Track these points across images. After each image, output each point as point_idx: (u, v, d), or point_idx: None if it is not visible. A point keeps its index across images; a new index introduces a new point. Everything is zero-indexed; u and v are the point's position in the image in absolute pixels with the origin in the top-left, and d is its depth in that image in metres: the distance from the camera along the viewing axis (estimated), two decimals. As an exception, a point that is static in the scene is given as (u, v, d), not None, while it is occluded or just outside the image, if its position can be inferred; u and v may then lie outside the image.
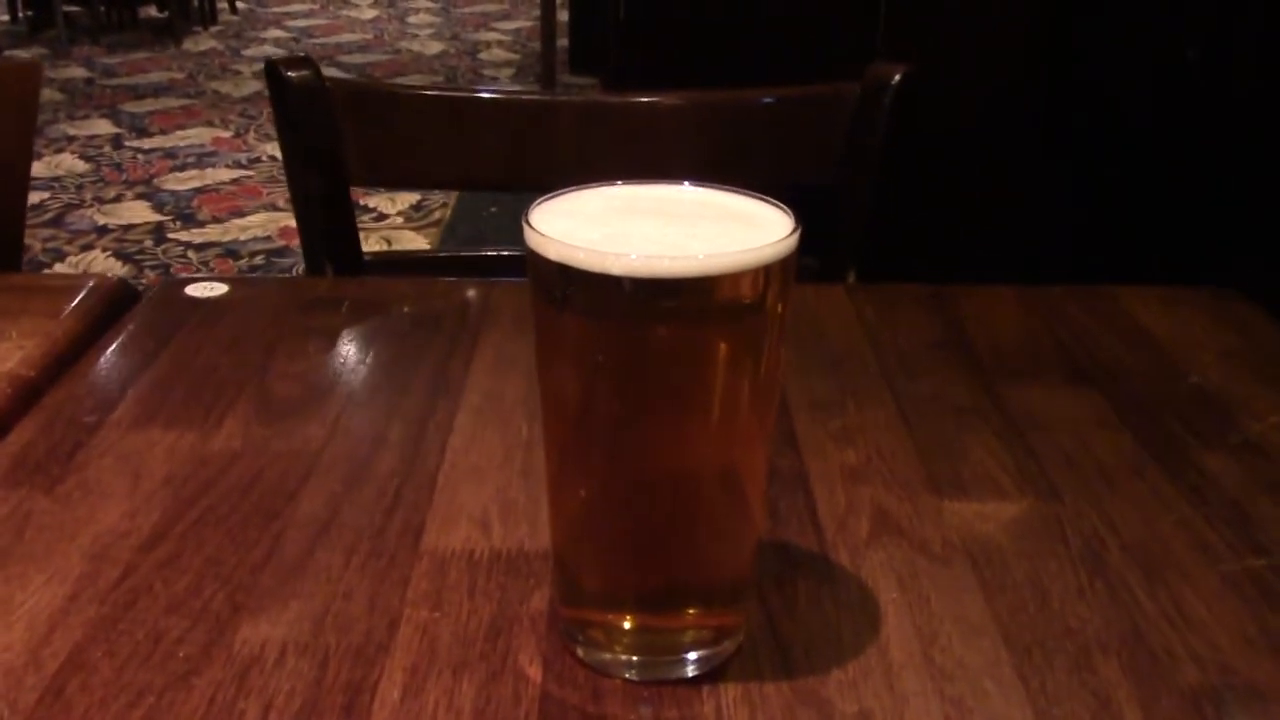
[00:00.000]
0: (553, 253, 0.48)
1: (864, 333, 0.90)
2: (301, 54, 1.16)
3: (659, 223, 0.52)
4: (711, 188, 0.54)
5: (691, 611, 0.55)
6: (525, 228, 0.50)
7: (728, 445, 0.52)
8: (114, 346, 0.85)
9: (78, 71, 5.77)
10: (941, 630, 0.57)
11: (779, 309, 0.50)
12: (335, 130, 1.11)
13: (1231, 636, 0.57)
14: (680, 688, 0.53)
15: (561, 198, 0.53)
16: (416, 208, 3.92)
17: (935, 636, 0.57)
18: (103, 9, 6.48)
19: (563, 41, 5.65)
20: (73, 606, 0.57)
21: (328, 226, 1.14)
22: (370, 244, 3.54)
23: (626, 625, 0.55)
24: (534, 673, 0.54)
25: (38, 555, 0.61)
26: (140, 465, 0.69)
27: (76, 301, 0.91)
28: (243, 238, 3.64)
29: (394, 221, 3.81)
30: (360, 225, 3.90)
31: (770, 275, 0.49)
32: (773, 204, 0.52)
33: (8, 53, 5.83)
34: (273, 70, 1.10)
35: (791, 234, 0.49)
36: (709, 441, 0.51)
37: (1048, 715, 0.52)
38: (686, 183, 0.54)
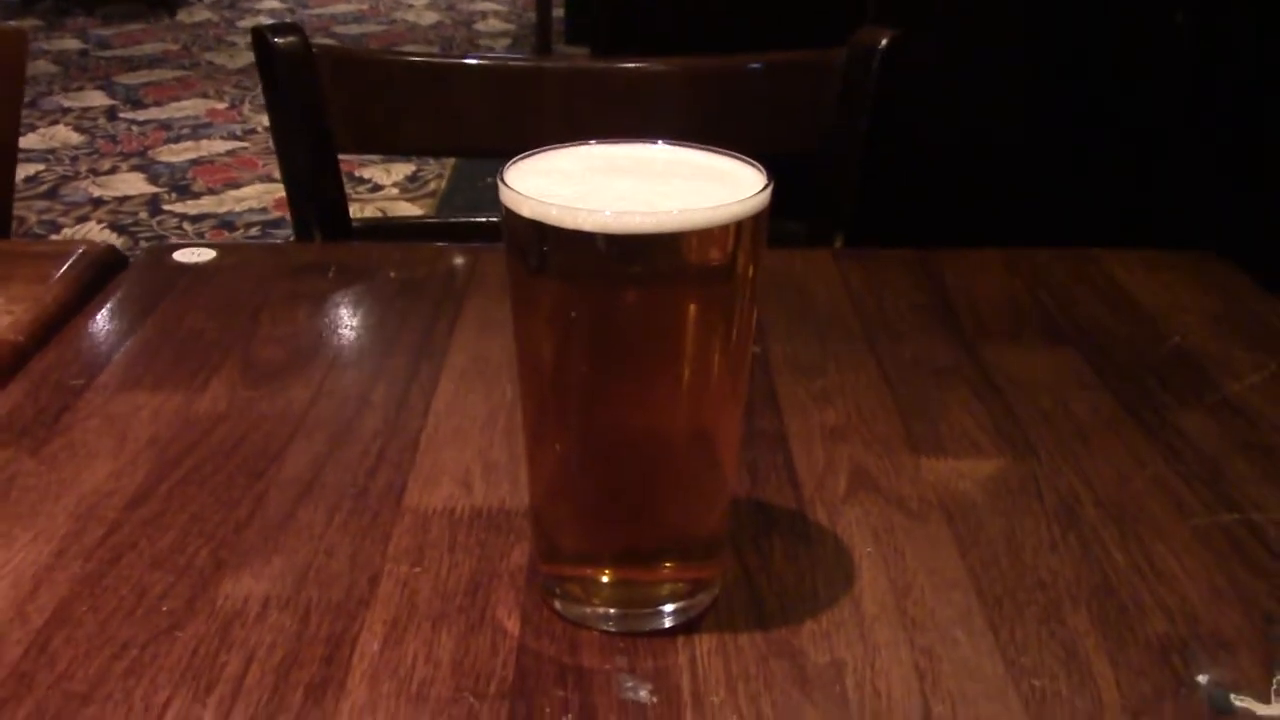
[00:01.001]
0: (527, 210, 0.49)
1: (848, 296, 0.91)
2: (291, 22, 1.16)
3: (633, 180, 0.52)
4: (685, 146, 0.54)
5: (667, 565, 0.56)
6: (500, 185, 0.50)
7: (701, 401, 0.53)
8: (101, 312, 0.85)
9: (71, 43, 5.74)
10: (915, 583, 0.58)
11: (752, 264, 0.51)
12: (322, 97, 1.11)
13: (1200, 589, 0.58)
14: (656, 639, 0.54)
15: (537, 157, 0.53)
16: (412, 179, 3.92)
17: (908, 589, 0.58)
18: (96, -20, 6.44)
19: (559, 12, 5.62)
20: (58, 563, 0.58)
21: (316, 193, 1.14)
22: (366, 214, 3.54)
23: (604, 579, 0.56)
24: (512, 625, 0.55)
25: (24, 515, 0.62)
26: (126, 427, 0.70)
27: (65, 268, 0.92)
28: (238, 209, 3.64)
29: (389, 192, 3.81)
30: (356, 196, 3.89)
31: (743, 231, 0.49)
32: (746, 161, 0.53)
33: None
34: (260, 37, 1.10)
35: (764, 189, 0.50)
36: (682, 397, 0.52)
37: (1016, 664, 0.53)
38: (661, 141, 0.54)
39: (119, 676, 0.51)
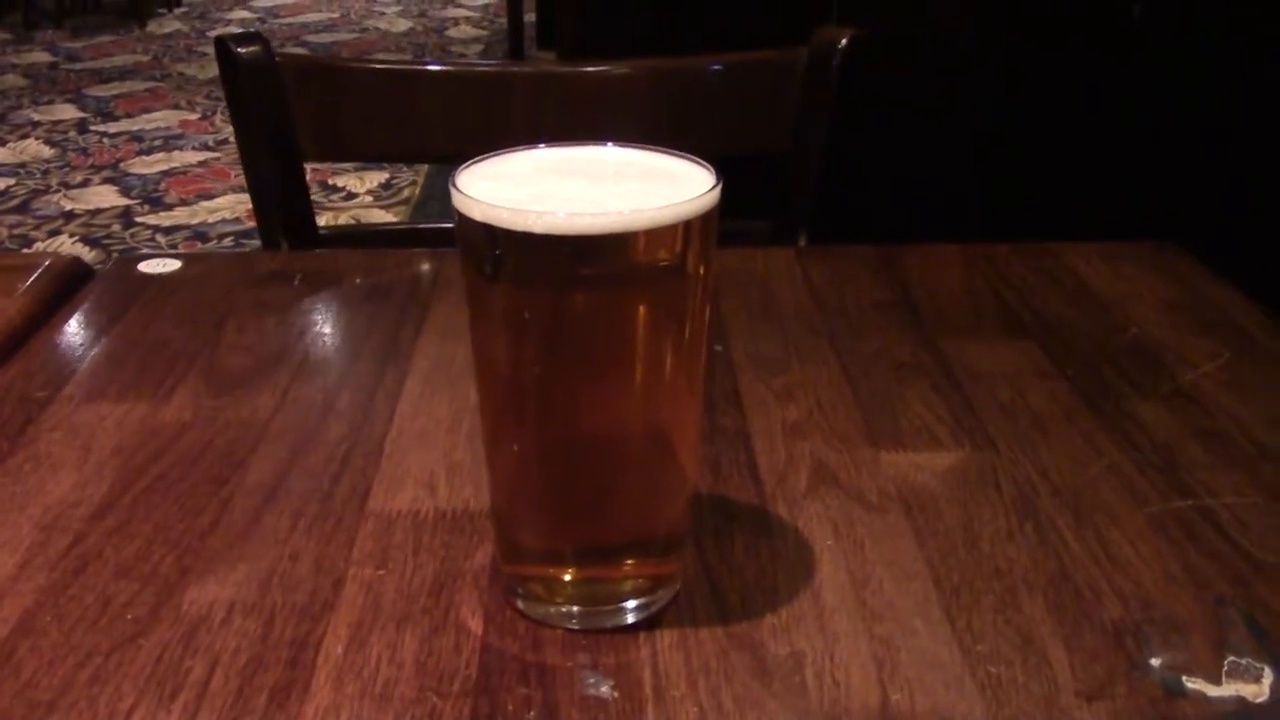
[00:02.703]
0: (478, 214, 0.49)
1: (810, 293, 0.92)
2: (254, 31, 1.16)
3: (584, 182, 0.53)
4: (636, 147, 0.55)
5: (629, 562, 0.57)
6: (452, 190, 0.51)
7: (657, 399, 0.53)
8: (67, 323, 0.86)
9: (41, 56, 5.72)
10: (874, 575, 0.59)
11: (703, 263, 0.51)
12: (286, 106, 1.11)
13: (1154, 574, 0.59)
14: (618, 635, 0.55)
15: (489, 161, 0.54)
16: (385, 186, 3.92)
17: (867, 580, 0.58)
18: (65, -7, 6.41)
19: (530, 17, 5.62)
20: (23, 574, 0.58)
21: (282, 202, 1.14)
22: (340, 223, 3.54)
23: (566, 578, 0.56)
24: (475, 625, 0.55)
25: (-12, 526, 0.62)
26: (90, 438, 0.70)
27: (31, 280, 0.92)
28: (211, 220, 3.63)
29: (363, 200, 3.81)
30: (330, 205, 3.88)
31: (691, 230, 0.50)
32: (696, 161, 0.53)
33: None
34: (223, 47, 1.11)
35: (712, 189, 0.50)
36: (637, 395, 0.53)
37: (972, 652, 0.54)
38: (610, 143, 0.55)
39: (84, 684, 0.51)
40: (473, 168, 0.53)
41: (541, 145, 0.55)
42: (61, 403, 0.74)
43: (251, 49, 1.09)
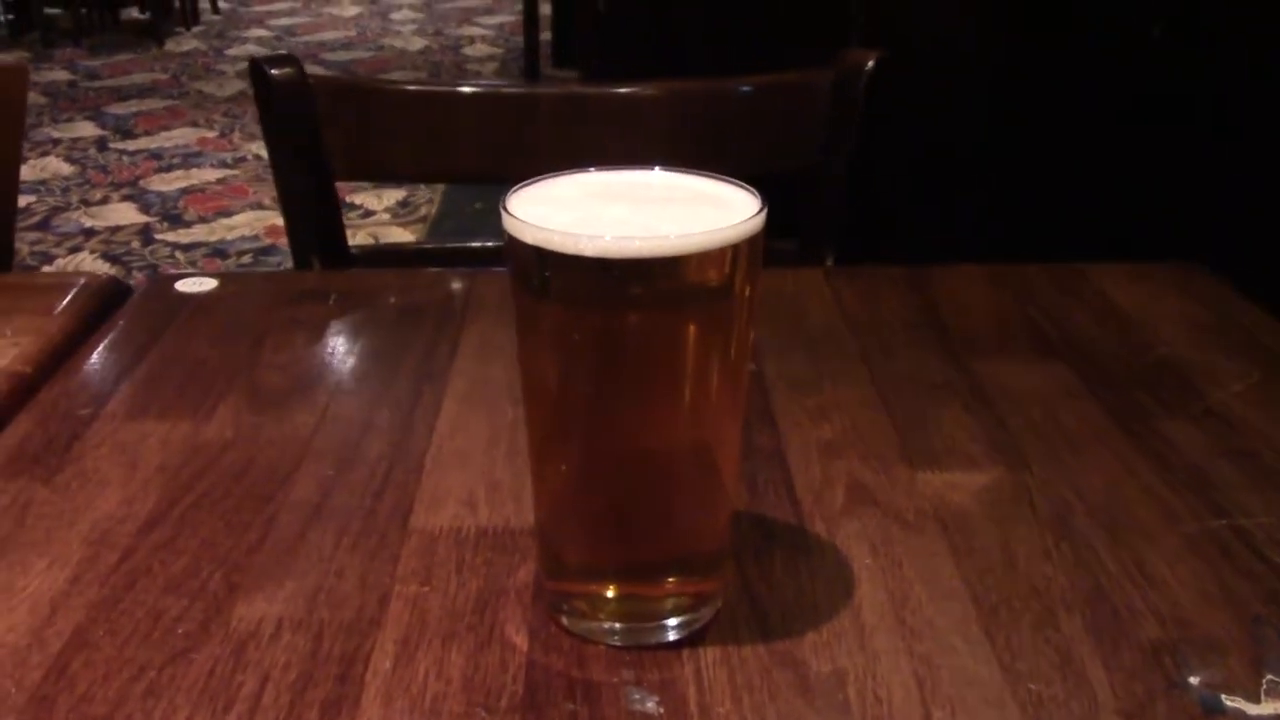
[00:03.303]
0: (529, 237, 0.50)
1: (841, 314, 0.92)
2: (284, 52, 1.18)
3: (631, 206, 0.54)
4: (681, 172, 0.56)
5: (671, 580, 0.57)
6: (503, 213, 0.52)
7: (701, 420, 0.54)
8: (106, 342, 0.87)
9: (60, 74, 5.77)
10: (912, 593, 0.59)
11: (748, 286, 0.52)
12: (319, 127, 1.13)
13: (1190, 593, 0.60)
14: (661, 652, 0.55)
15: (538, 185, 0.55)
16: (403, 204, 3.94)
17: (906, 599, 0.59)
18: (84, 11, 6.47)
19: (545, 35, 5.66)
20: (74, 589, 0.59)
21: (314, 222, 1.15)
22: (357, 241, 3.56)
23: (609, 594, 0.57)
24: (520, 641, 0.56)
25: (39, 542, 0.63)
26: (135, 455, 0.71)
27: (69, 299, 0.93)
28: (230, 237, 3.66)
29: (380, 218, 3.83)
30: (348, 223, 3.91)
31: (738, 254, 0.51)
32: (740, 186, 0.54)
33: (-10, 57, 5.82)
34: (257, 69, 1.12)
35: (758, 214, 0.51)
36: (683, 417, 0.54)
37: (1012, 670, 0.54)
38: (657, 167, 0.56)
39: (138, 698, 0.52)
40: (522, 191, 0.54)
41: (590, 169, 0.56)
42: (105, 420, 0.75)
43: (285, 70, 1.10)
